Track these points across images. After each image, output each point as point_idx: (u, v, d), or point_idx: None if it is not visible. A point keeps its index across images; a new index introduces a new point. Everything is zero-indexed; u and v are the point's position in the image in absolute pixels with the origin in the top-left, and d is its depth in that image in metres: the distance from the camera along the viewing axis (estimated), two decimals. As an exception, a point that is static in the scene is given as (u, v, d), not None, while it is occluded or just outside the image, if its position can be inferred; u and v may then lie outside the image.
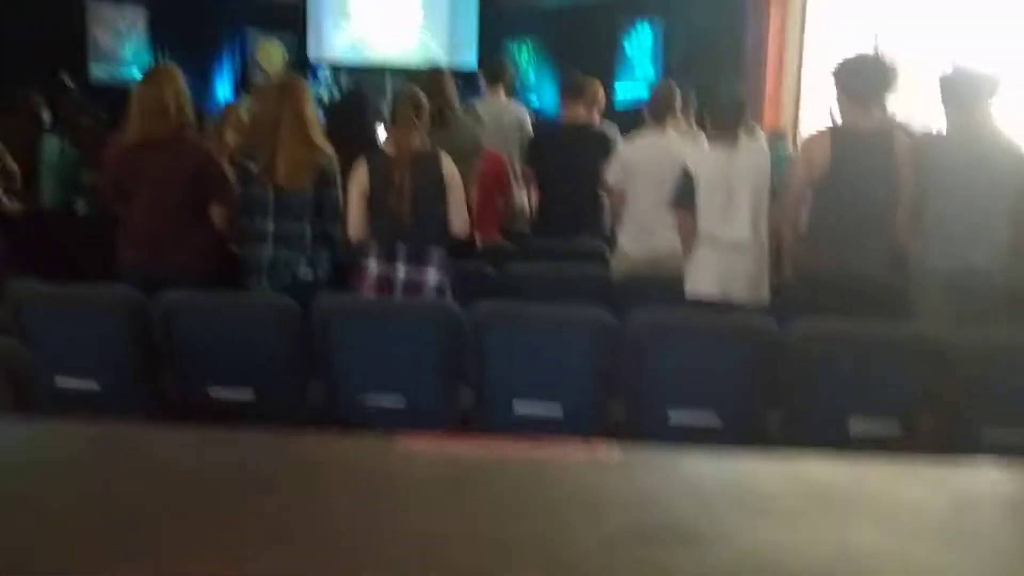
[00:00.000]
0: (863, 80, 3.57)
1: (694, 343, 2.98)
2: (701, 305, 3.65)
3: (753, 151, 3.67)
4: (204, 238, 3.68)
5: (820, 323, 2.93)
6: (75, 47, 10.53)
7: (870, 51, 3.95)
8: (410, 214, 3.53)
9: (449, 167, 3.63)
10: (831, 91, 3.73)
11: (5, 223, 5.31)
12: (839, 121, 3.71)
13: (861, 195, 3.55)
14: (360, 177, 3.61)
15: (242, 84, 11.92)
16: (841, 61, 3.67)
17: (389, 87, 11.61)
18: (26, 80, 7.83)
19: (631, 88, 10.92)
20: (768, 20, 9.20)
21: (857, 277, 3.54)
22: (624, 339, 2.94)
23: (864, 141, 3.57)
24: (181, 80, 3.64)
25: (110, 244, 4.01)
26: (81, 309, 3.18)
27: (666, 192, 4.19)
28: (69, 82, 6.12)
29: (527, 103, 11.39)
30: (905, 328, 3.12)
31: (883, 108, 3.78)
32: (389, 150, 3.65)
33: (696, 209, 3.67)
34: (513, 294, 3.82)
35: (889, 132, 3.65)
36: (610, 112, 8.54)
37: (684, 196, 3.70)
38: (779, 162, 4.43)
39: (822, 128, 3.82)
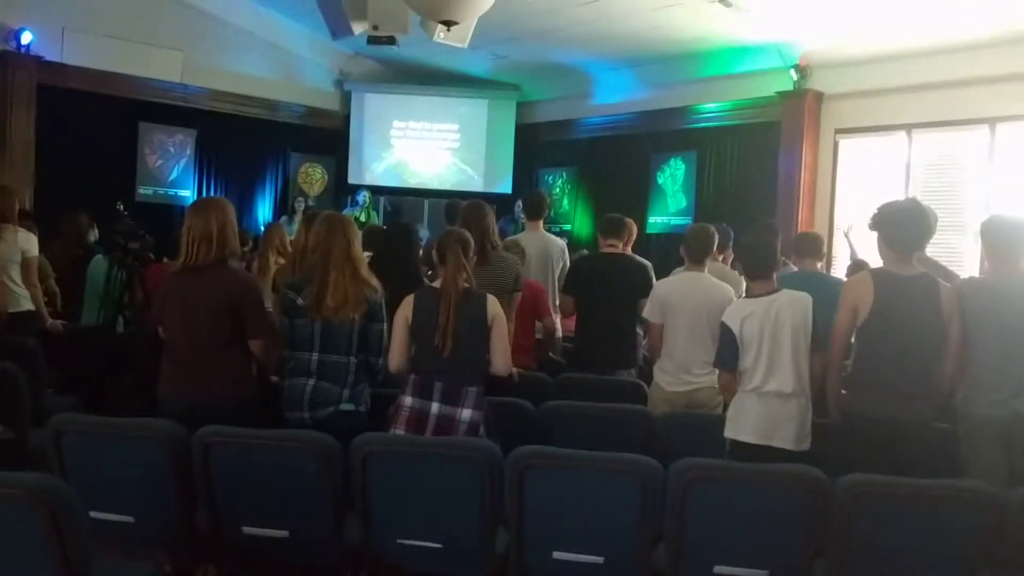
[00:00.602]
0: (904, 231, 3.60)
1: (741, 492, 2.91)
2: (743, 449, 3.59)
3: (792, 300, 3.67)
4: (242, 367, 3.67)
5: (872, 477, 2.85)
6: (125, 167, 10.93)
7: (908, 200, 3.96)
8: (450, 353, 3.55)
9: (494, 308, 3.67)
10: (863, 231, 3.76)
11: (48, 342, 5.38)
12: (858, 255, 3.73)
13: (906, 340, 3.52)
14: (405, 310, 3.67)
15: (283, 205, 12.26)
16: (880, 212, 3.70)
17: (427, 211, 11.93)
18: (77, 198, 8.14)
19: (663, 218, 11.08)
20: (801, 153, 9.37)
21: (904, 422, 3.48)
22: (668, 487, 2.87)
23: (907, 286, 3.57)
24: (231, 212, 3.72)
25: (149, 363, 4.05)
26: (121, 441, 3.18)
27: (704, 332, 4.20)
28: (123, 209, 6.31)
29: (561, 230, 11.64)
30: (961, 482, 3.02)
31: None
32: (437, 287, 3.69)
33: (740, 365, 3.65)
34: (551, 431, 3.79)
35: (932, 278, 3.64)
36: (643, 239, 8.68)
37: (727, 357, 3.68)
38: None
39: (863, 272, 3.82)
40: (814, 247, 4.74)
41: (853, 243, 6.07)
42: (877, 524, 2.82)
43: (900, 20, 7.87)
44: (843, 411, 3.67)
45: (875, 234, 3.74)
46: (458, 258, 3.64)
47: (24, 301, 5.43)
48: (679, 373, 4.38)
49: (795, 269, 5.41)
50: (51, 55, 9.97)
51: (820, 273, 4.80)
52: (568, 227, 12.18)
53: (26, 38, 9.72)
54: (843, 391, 3.71)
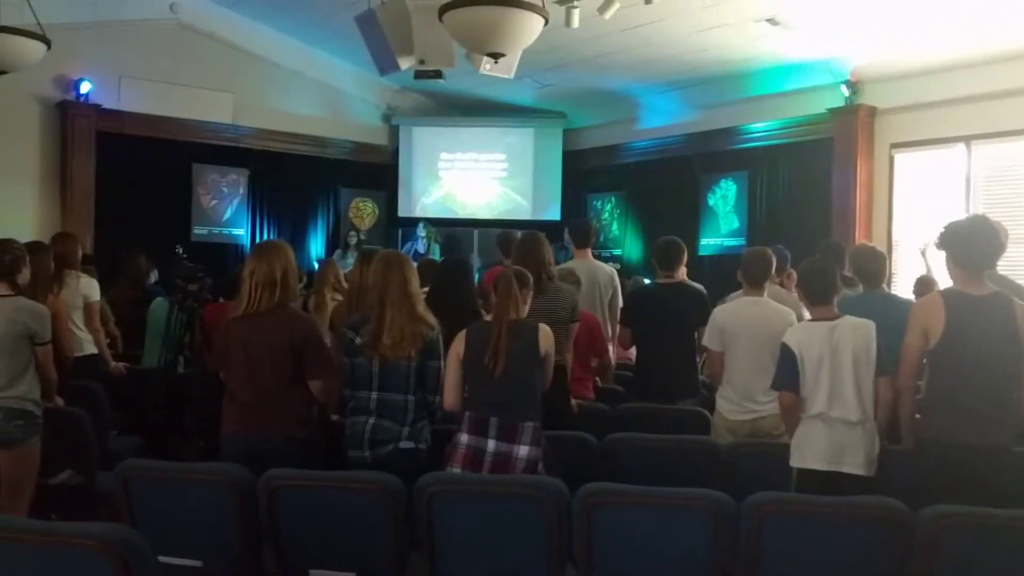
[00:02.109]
0: (974, 249, 3.48)
1: (818, 526, 2.82)
2: (811, 477, 3.50)
3: (854, 326, 3.58)
4: (304, 408, 3.69)
5: (956, 508, 2.74)
6: (181, 208, 11.16)
7: (976, 216, 3.84)
8: (504, 386, 3.53)
9: (546, 341, 3.64)
10: (929, 249, 3.65)
11: (111, 384, 5.47)
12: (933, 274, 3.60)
13: (981, 362, 3.40)
14: (458, 346, 3.65)
15: (335, 240, 12.38)
16: (947, 230, 3.59)
17: (476, 241, 11.96)
18: (135, 240, 8.31)
19: (715, 239, 10.96)
20: (855, 170, 9.21)
21: (983, 448, 3.35)
22: (742, 522, 2.79)
23: (980, 306, 3.44)
24: (291, 255, 3.75)
25: (210, 403, 4.08)
26: (188, 485, 3.19)
27: (765, 358, 4.11)
28: (181, 251, 6.42)
29: (612, 255, 11.58)
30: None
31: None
32: (490, 321, 3.67)
33: (800, 388, 3.56)
34: (615, 465, 3.73)
35: (1006, 297, 3.52)
36: (694, 262, 8.58)
37: (787, 378, 3.60)
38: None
39: (934, 294, 3.70)
40: (877, 269, 4.59)
41: (929, 261, 5.89)
42: (963, 558, 2.71)
43: (952, 30, 7.73)
44: (917, 437, 3.55)
45: (937, 247, 3.64)
46: (509, 289, 3.63)
47: (88, 345, 5.53)
48: (742, 401, 4.30)
49: (859, 290, 5.28)
50: (109, 103, 10.25)
51: (885, 293, 4.65)
52: (618, 252, 12.11)
53: (85, 88, 10.02)
54: (917, 416, 3.59)
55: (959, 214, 8.04)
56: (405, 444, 3.57)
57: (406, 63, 8.53)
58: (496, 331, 3.57)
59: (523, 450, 3.52)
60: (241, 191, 11.70)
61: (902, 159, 9.14)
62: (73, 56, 9.53)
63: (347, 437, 3.63)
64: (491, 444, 3.53)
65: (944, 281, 4.56)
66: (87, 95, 10.06)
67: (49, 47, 6.88)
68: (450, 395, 3.66)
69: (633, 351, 5.69)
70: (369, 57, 8.92)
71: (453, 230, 12.17)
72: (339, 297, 5.80)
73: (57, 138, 10.08)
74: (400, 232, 12.54)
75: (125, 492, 3.24)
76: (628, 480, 3.14)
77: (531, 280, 3.83)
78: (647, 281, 7.91)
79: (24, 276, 4.04)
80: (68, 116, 10.01)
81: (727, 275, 7.15)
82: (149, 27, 10.36)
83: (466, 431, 3.58)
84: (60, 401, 4.40)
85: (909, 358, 3.52)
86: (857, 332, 3.57)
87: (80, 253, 5.93)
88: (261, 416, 3.60)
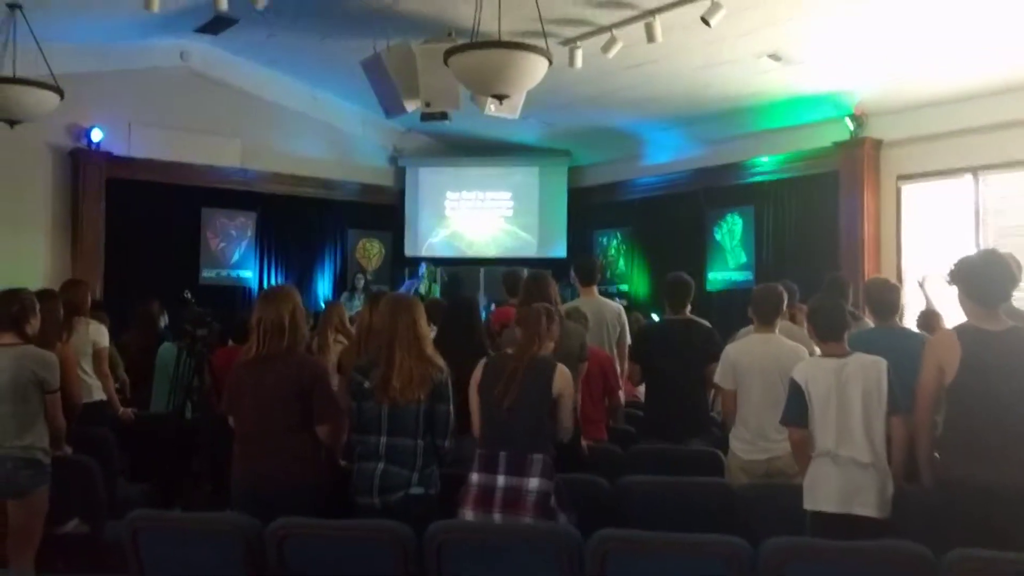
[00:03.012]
0: (988, 282, 3.43)
1: (839, 572, 2.76)
2: (824, 520, 3.44)
3: (864, 364, 3.54)
4: (313, 453, 3.66)
5: (980, 553, 2.69)
6: (189, 252, 11.21)
7: (985, 251, 3.80)
8: (513, 420, 3.53)
9: (562, 380, 3.63)
10: (937, 281, 3.62)
11: (119, 430, 5.45)
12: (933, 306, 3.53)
13: (1000, 398, 3.33)
14: (477, 374, 3.70)
15: (342, 281, 12.40)
16: (959, 265, 3.54)
17: (483, 279, 11.96)
18: (144, 284, 8.35)
19: (723, 274, 10.94)
20: (862, 202, 9.19)
21: (1005, 489, 3.27)
22: (759, 568, 2.74)
23: (998, 341, 3.37)
24: (298, 299, 3.75)
25: (218, 447, 4.05)
26: (196, 535, 3.16)
27: (778, 395, 4.07)
28: (190, 297, 6.44)
29: (619, 291, 11.55)
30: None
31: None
32: (510, 354, 3.69)
33: (810, 424, 3.53)
34: (627, 508, 3.68)
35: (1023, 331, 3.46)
36: (702, 297, 8.54)
37: (795, 413, 3.57)
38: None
39: (949, 330, 3.65)
40: (892, 300, 4.54)
41: (928, 294, 5.85)
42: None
43: (957, 61, 7.74)
44: (936, 477, 3.48)
45: (949, 283, 3.59)
46: (538, 323, 3.67)
47: (96, 391, 5.52)
48: (756, 440, 4.24)
49: (870, 324, 5.24)
50: (119, 150, 10.35)
51: (899, 328, 4.60)
52: (625, 288, 12.09)
53: (96, 135, 10.13)
54: (935, 455, 3.53)
55: (969, 245, 8.02)
56: (415, 490, 3.53)
57: (412, 106, 8.62)
58: (515, 364, 3.59)
59: (533, 482, 3.49)
60: (249, 234, 11.75)
61: (909, 191, 9.11)
62: (85, 105, 9.64)
63: (355, 483, 3.59)
64: (501, 480, 3.52)
65: (948, 313, 4.51)
66: (98, 143, 10.16)
67: (62, 97, 6.97)
68: (477, 423, 3.69)
69: (642, 388, 5.65)
70: (375, 100, 9.02)
71: (459, 269, 12.19)
72: (342, 339, 5.81)
73: (69, 186, 10.17)
74: (406, 272, 12.56)
75: (133, 542, 3.20)
76: (641, 524, 3.09)
77: (558, 317, 3.83)
78: (655, 317, 7.89)
79: (33, 325, 4.05)
80: (79, 164, 10.11)
81: (735, 310, 7.12)
82: (159, 75, 10.49)
83: (476, 470, 3.58)
84: (69, 449, 4.39)
85: (925, 395, 3.46)
86: (867, 370, 3.53)
87: (89, 299, 5.95)
88: (270, 461, 3.57)
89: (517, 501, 3.47)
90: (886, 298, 4.52)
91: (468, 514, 3.51)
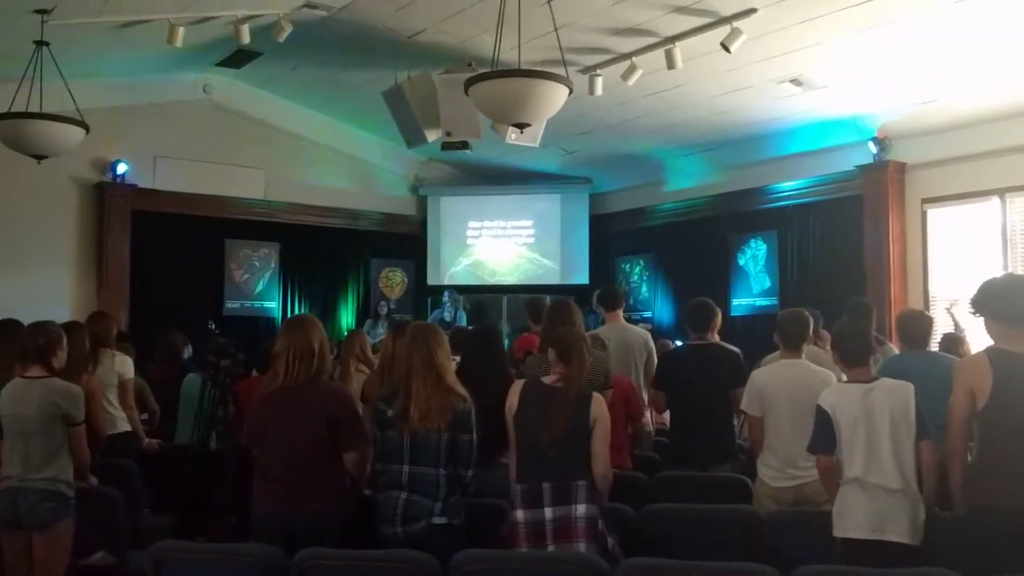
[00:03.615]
0: (1013, 303, 3.39)
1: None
2: (854, 547, 3.38)
3: (891, 389, 3.49)
4: (340, 483, 3.65)
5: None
6: (213, 283, 11.29)
7: (1006, 275, 3.76)
8: (556, 450, 3.50)
9: (597, 408, 3.62)
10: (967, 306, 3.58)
11: (144, 461, 5.46)
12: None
13: (1034, 422, 3.28)
14: (512, 399, 3.67)
15: (365, 311, 12.43)
16: (982, 291, 3.50)
17: (505, 307, 11.95)
18: (169, 315, 8.40)
19: (747, 299, 10.86)
20: (887, 226, 9.11)
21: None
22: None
23: (1026, 364, 3.33)
24: (322, 328, 3.76)
25: (242, 479, 4.04)
26: (220, 566, 3.14)
27: (807, 422, 4.01)
28: (214, 327, 6.47)
29: (642, 318, 11.49)
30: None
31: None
32: (548, 384, 3.68)
33: (837, 451, 3.47)
34: (654, 537, 3.63)
35: (1056, 353, 3.40)
36: (727, 323, 8.46)
37: (822, 439, 3.52)
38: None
39: (979, 353, 3.59)
40: (924, 329, 4.51)
41: (958, 319, 5.79)
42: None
43: (981, 84, 7.69)
44: (970, 504, 3.41)
45: (972, 313, 3.55)
46: (583, 359, 3.65)
47: (121, 423, 5.55)
48: (784, 467, 4.18)
49: (895, 349, 5.18)
50: (144, 182, 10.47)
51: (931, 352, 4.54)
52: (648, 314, 12.03)
53: (121, 168, 10.25)
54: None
55: (996, 268, 7.92)
56: (438, 520, 3.50)
57: (433, 135, 8.68)
58: (562, 399, 3.57)
59: (581, 508, 3.48)
60: (273, 264, 11.82)
61: (935, 214, 9.03)
62: (110, 139, 9.78)
63: (379, 513, 3.58)
64: (548, 512, 3.49)
65: (975, 338, 4.46)
66: (123, 175, 10.29)
67: (88, 131, 7.07)
68: (514, 460, 3.66)
69: (667, 415, 5.60)
70: (397, 130, 9.10)
71: (482, 297, 12.18)
72: (364, 368, 5.80)
73: (94, 218, 10.28)
74: (429, 301, 12.58)
75: (157, 573, 3.19)
76: (668, 553, 3.05)
77: (589, 342, 3.82)
78: (678, 343, 7.83)
79: (60, 358, 4.08)
80: (105, 196, 10.23)
81: (760, 336, 7.04)
82: (183, 108, 10.63)
83: (520, 506, 3.54)
84: (94, 480, 4.40)
85: (956, 420, 3.41)
86: (895, 395, 3.49)
87: (115, 331, 5.99)
88: (295, 492, 3.56)
89: (567, 529, 3.46)
90: (919, 328, 4.53)
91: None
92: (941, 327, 8.03)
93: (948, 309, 5.98)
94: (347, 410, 3.64)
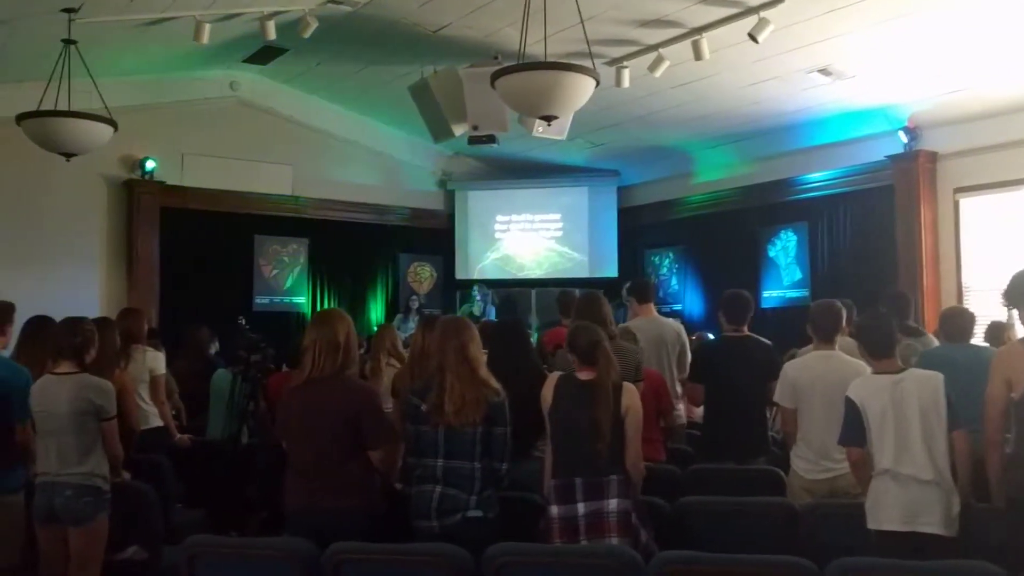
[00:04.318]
0: None
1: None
2: (889, 539, 3.33)
3: (920, 380, 3.44)
4: (366, 477, 3.63)
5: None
6: (243, 279, 11.36)
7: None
8: (589, 444, 3.48)
9: (628, 396, 3.60)
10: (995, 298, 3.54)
11: (176, 456, 5.49)
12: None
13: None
14: (547, 392, 3.67)
15: (394, 306, 12.47)
16: (1013, 282, 3.46)
17: (534, 301, 11.94)
18: (199, 312, 8.47)
19: (778, 291, 10.77)
20: (919, 216, 8.99)
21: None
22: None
23: (1067, 352, 3.27)
24: (351, 323, 3.75)
25: (273, 473, 4.05)
26: (253, 560, 3.15)
27: (840, 413, 3.95)
28: (244, 323, 6.50)
29: (671, 310, 11.42)
30: None
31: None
32: (582, 379, 3.66)
33: (868, 443, 3.42)
34: (688, 530, 3.60)
35: (1093, 342, 3.34)
36: (757, 315, 8.37)
37: (852, 432, 3.47)
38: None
39: (1015, 343, 3.54)
40: (964, 325, 4.47)
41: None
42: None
43: (1012, 72, 7.56)
44: (1008, 495, 3.35)
45: (1005, 305, 3.51)
46: (609, 358, 3.62)
47: (153, 418, 5.58)
48: (818, 459, 4.13)
49: (934, 340, 5.11)
50: (172, 179, 10.56)
51: (972, 345, 4.48)
52: (678, 307, 11.97)
53: (150, 165, 10.34)
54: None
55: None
56: (473, 513, 3.48)
57: (460, 130, 8.67)
58: (598, 393, 3.56)
59: (612, 503, 3.47)
60: (301, 260, 11.88)
61: (968, 204, 8.90)
62: (138, 136, 9.85)
63: (414, 507, 3.56)
64: (581, 507, 3.49)
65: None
66: (152, 172, 10.38)
67: (116, 129, 7.13)
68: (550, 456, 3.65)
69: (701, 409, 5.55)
70: (423, 125, 9.10)
71: (510, 291, 12.18)
72: (395, 363, 5.81)
73: (124, 215, 10.39)
74: (458, 295, 12.58)
75: (190, 568, 3.21)
76: (702, 546, 3.03)
77: (604, 336, 3.79)
78: (711, 336, 7.77)
79: (92, 355, 4.10)
80: (134, 194, 10.33)
81: (791, 328, 6.97)
82: (210, 106, 10.70)
83: (555, 502, 3.54)
84: (126, 475, 4.43)
85: (993, 410, 3.37)
86: (924, 386, 3.43)
87: (146, 327, 6.03)
88: (322, 487, 3.55)
89: (599, 524, 3.45)
90: (958, 324, 4.50)
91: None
92: (984, 315, 7.96)
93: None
94: (367, 409, 3.58)
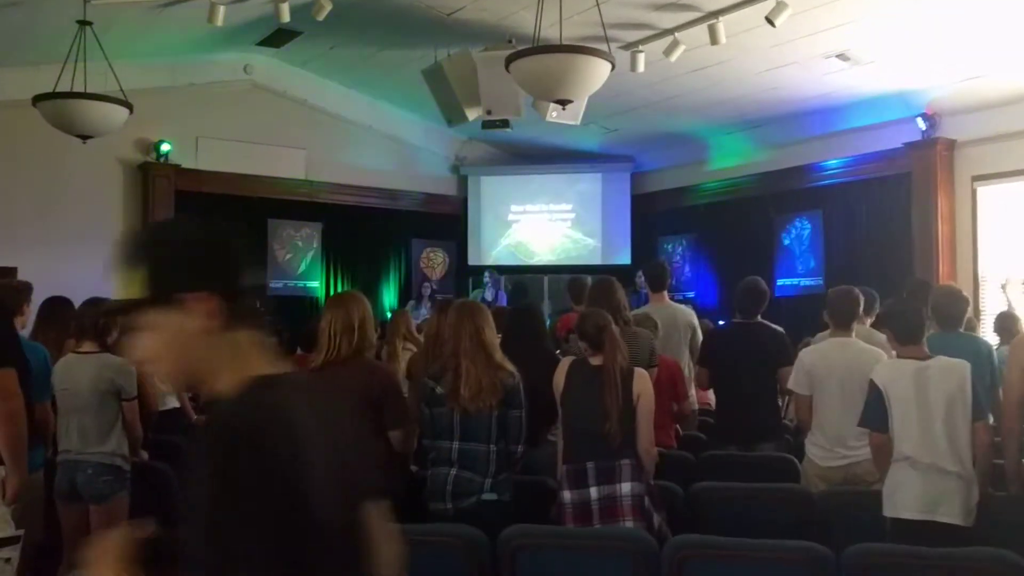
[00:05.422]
0: None
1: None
2: (905, 527, 3.32)
3: (946, 368, 3.42)
4: (383, 460, 3.65)
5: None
6: (256, 263, 11.34)
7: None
8: (601, 428, 3.49)
9: (640, 381, 3.61)
10: (1010, 285, 3.51)
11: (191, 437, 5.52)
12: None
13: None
14: (559, 378, 3.69)
15: (407, 291, 12.48)
16: None
17: (546, 287, 11.92)
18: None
19: (792, 280, 10.72)
20: (936, 204, 8.93)
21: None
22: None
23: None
24: (367, 305, 3.76)
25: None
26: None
27: (856, 401, 3.95)
28: (259, 306, 6.50)
29: (684, 298, 11.39)
30: None
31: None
32: (594, 364, 3.66)
33: (890, 429, 3.41)
34: (701, 515, 3.61)
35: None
36: (771, 303, 8.34)
37: (874, 415, 3.46)
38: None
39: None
40: (958, 312, 4.40)
41: (1011, 298, 5.67)
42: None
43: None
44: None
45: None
46: (615, 340, 3.62)
47: (169, 399, 5.61)
48: (834, 447, 4.13)
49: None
50: (187, 162, 10.58)
51: (964, 334, 4.43)
52: (691, 294, 11.93)
53: (165, 148, 10.37)
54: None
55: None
56: (488, 496, 3.50)
57: (473, 114, 8.64)
58: (608, 377, 3.56)
59: (626, 487, 3.48)
60: (315, 244, 11.90)
61: (985, 192, 8.83)
62: (153, 119, 9.86)
63: (429, 489, 3.59)
64: (593, 492, 3.50)
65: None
66: (167, 155, 10.41)
67: (132, 111, 7.14)
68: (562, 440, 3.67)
69: (712, 394, 5.55)
70: (437, 109, 9.08)
71: (523, 277, 12.15)
72: (410, 347, 5.82)
73: (139, 198, 10.42)
74: (470, 281, 12.57)
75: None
76: (716, 531, 3.03)
77: (611, 322, 3.78)
78: (720, 323, 7.76)
79: (114, 336, 4.13)
80: (149, 177, 10.36)
81: (805, 316, 6.95)
82: (224, 89, 10.71)
83: (567, 487, 3.55)
84: (145, 455, 4.46)
85: (1011, 400, 3.35)
86: (950, 374, 3.41)
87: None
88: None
89: (613, 508, 3.46)
90: (952, 311, 4.40)
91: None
92: (993, 306, 7.91)
93: (1003, 286, 5.85)
94: (388, 388, 3.62)
